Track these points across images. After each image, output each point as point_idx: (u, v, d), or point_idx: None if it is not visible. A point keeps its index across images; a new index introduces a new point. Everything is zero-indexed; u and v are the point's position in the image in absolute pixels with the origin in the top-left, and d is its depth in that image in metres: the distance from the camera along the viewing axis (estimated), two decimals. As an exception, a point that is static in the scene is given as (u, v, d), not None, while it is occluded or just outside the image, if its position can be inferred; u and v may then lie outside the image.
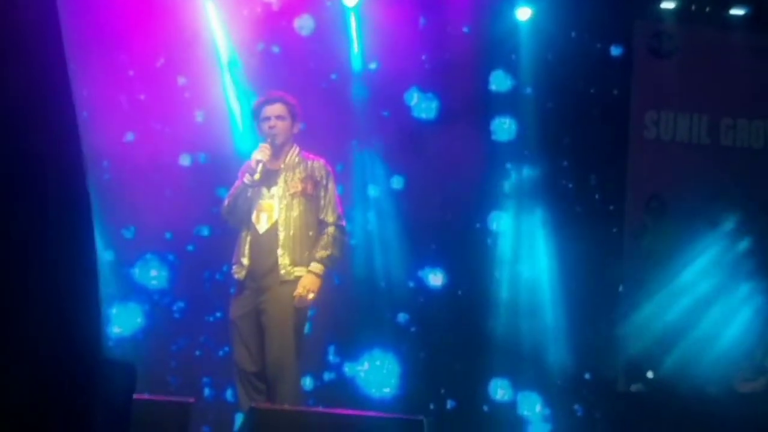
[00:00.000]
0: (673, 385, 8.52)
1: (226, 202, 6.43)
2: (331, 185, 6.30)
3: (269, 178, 6.23)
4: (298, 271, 6.15)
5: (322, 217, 6.25)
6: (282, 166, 6.27)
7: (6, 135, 1.55)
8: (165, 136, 8.37)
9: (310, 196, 6.22)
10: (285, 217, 6.16)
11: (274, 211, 6.20)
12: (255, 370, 6.19)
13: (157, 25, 8.33)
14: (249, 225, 6.24)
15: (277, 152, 6.26)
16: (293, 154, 6.32)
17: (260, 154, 6.19)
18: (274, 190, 6.23)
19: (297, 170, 6.26)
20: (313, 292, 6.14)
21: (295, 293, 6.13)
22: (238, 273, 6.27)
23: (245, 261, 6.22)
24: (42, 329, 1.54)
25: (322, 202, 6.25)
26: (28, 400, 1.52)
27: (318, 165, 6.31)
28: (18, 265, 1.51)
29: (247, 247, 6.23)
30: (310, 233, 6.21)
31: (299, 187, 6.21)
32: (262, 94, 6.67)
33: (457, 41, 9.04)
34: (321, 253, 6.18)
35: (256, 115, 6.39)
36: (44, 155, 1.57)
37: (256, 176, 6.17)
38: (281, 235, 6.14)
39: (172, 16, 8.35)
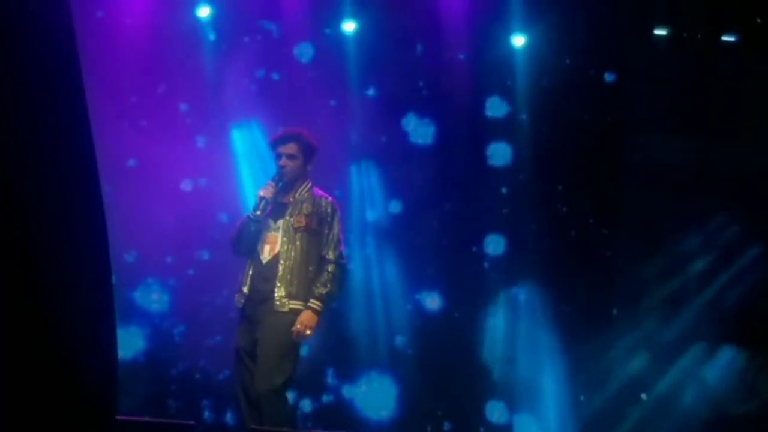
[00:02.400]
0: (668, 407, 8.54)
1: (233, 233, 6.52)
2: (336, 223, 6.37)
3: (277, 211, 6.34)
4: (293, 303, 6.22)
5: (324, 253, 6.32)
6: (291, 200, 6.36)
7: (27, 152, 1.65)
8: (167, 161, 8.46)
9: (314, 231, 6.30)
10: (287, 250, 6.26)
11: (278, 242, 6.30)
12: (252, 398, 6.23)
13: (160, 51, 8.48)
14: (254, 255, 6.35)
15: (288, 187, 6.37)
16: (304, 189, 6.40)
17: (264, 191, 6.32)
18: (280, 222, 6.32)
19: (304, 205, 6.35)
20: (310, 328, 6.21)
21: (293, 329, 6.19)
22: (239, 301, 6.37)
23: (245, 290, 6.33)
24: (61, 348, 1.64)
25: (326, 239, 6.32)
26: (49, 412, 1.60)
27: (325, 202, 6.39)
28: (37, 284, 1.60)
29: (248, 276, 6.33)
30: (310, 268, 6.29)
31: (304, 222, 6.30)
32: (280, 129, 6.73)
33: (454, 68, 9.16)
34: (320, 290, 6.25)
35: (272, 149, 6.49)
36: (61, 169, 1.67)
37: (258, 213, 6.30)
38: (280, 267, 6.24)
39: (174, 44, 8.49)
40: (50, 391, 1.65)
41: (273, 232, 6.33)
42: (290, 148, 6.39)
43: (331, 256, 6.33)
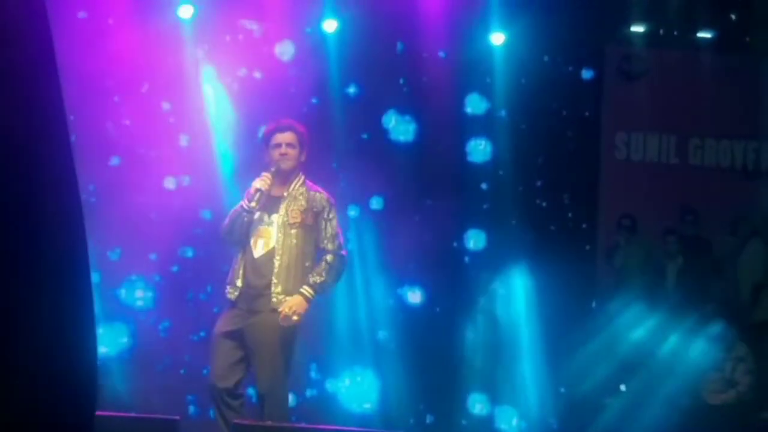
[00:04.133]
0: (646, 398, 8.66)
1: (225, 222, 6.40)
2: (333, 216, 6.31)
3: (271, 204, 6.26)
4: (290, 298, 6.15)
5: (322, 246, 6.27)
6: (285, 194, 6.28)
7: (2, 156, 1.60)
8: (150, 159, 8.53)
9: (309, 227, 6.24)
10: (282, 245, 6.19)
11: (272, 238, 6.22)
12: (228, 386, 6.19)
13: (142, 51, 8.51)
14: (246, 248, 6.27)
15: (282, 180, 6.29)
16: (298, 183, 6.32)
17: (260, 182, 6.22)
18: (274, 217, 6.24)
19: (299, 200, 6.27)
20: (298, 314, 6.15)
21: (280, 310, 6.17)
22: (231, 294, 6.27)
23: (239, 283, 6.23)
24: (38, 349, 1.59)
25: (323, 232, 6.27)
26: (25, 418, 1.57)
27: (320, 197, 6.31)
28: (13, 285, 1.56)
29: (241, 269, 6.24)
30: (307, 264, 6.23)
31: (299, 218, 6.21)
32: (273, 121, 6.62)
33: (434, 66, 9.25)
34: (314, 279, 6.21)
35: (265, 140, 6.39)
36: (40, 175, 1.62)
37: (253, 204, 6.22)
38: (276, 264, 6.17)
39: (156, 43, 8.53)
40: (25, 391, 1.65)
41: (266, 227, 6.24)
42: (289, 136, 6.32)
43: (330, 247, 6.27)
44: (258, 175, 6.25)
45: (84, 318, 1.69)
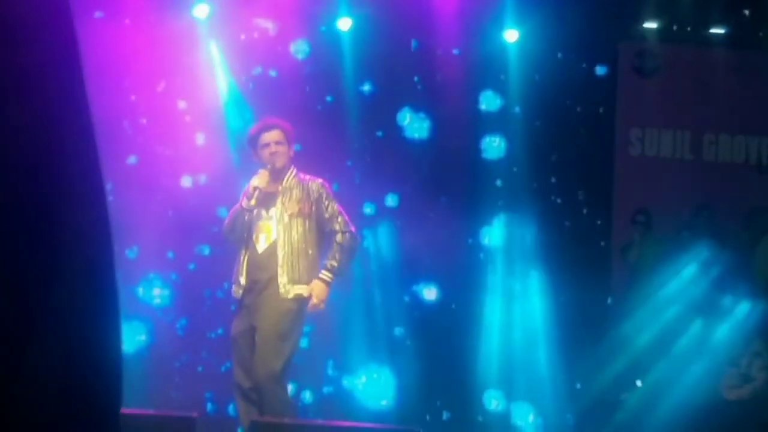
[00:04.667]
0: (662, 393, 8.65)
1: (226, 222, 6.61)
2: (331, 200, 6.46)
3: (268, 200, 6.40)
4: (297, 288, 6.31)
5: (329, 229, 6.41)
6: (280, 188, 6.42)
7: (28, 151, 1.58)
8: (166, 158, 8.58)
9: (308, 215, 6.38)
10: (284, 237, 6.33)
11: (272, 231, 6.36)
12: (250, 385, 6.32)
13: (158, 50, 8.55)
14: (248, 245, 6.41)
15: (276, 176, 6.43)
16: (290, 176, 6.48)
17: (258, 180, 6.38)
18: (273, 211, 6.38)
19: (294, 192, 6.42)
20: (323, 300, 6.34)
21: (309, 305, 6.31)
22: (236, 292, 6.44)
23: (242, 280, 6.39)
24: (62, 347, 1.59)
25: (326, 215, 6.40)
26: (47, 415, 1.57)
27: (315, 185, 6.46)
28: (37, 281, 1.56)
29: (244, 266, 6.39)
30: (310, 252, 6.37)
31: (296, 208, 6.37)
32: (257, 122, 6.84)
33: (448, 63, 9.26)
34: (330, 262, 6.37)
35: (253, 142, 6.56)
36: (66, 174, 1.61)
37: (252, 202, 6.37)
38: (280, 255, 6.30)
39: (172, 42, 8.57)
40: (53, 387, 1.67)
41: (266, 221, 6.38)
42: (276, 135, 6.48)
43: (336, 227, 6.42)
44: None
45: (109, 314, 1.68)
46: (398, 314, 9.00)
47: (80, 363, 1.61)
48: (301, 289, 6.32)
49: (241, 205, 6.44)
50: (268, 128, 6.51)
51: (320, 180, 6.54)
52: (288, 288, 6.27)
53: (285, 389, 6.42)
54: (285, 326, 6.27)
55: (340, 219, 6.44)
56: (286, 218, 6.35)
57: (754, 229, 9.37)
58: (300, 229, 6.36)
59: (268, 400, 6.24)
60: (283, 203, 6.39)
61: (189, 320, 8.67)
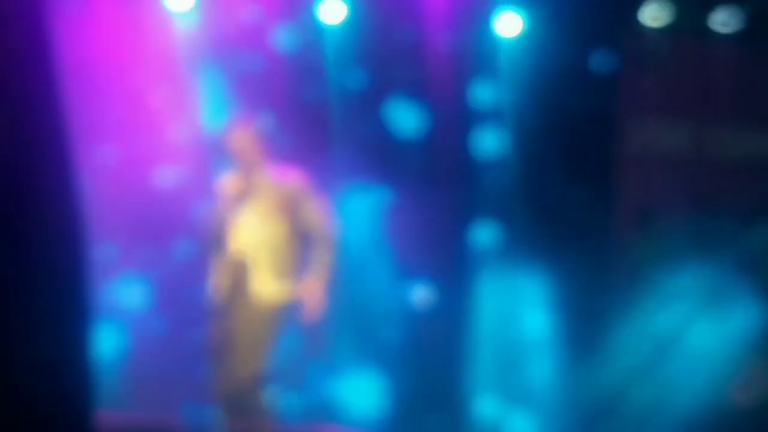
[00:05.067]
0: (666, 395, 8.57)
1: (199, 222, 6.65)
2: (308, 198, 6.35)
3: (242, 200, 6.33)
4: (276, 290, 6.26)
5: (307, 228, 6.31)
6: (253, 188, 6.35)
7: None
8: (144, 153, 8.47)
9: (285, 215, 6.29)
10: (261, 237, 6.26)
11: (249, 231, 6.28)
12: (231, 391, 6.29)
13: (136, 42, 8.48)
14: (222, 246, 6.35)
15: (245, 174, 6.36)
16: (265, 174, 6.39)
17: (226, 179, 6.37)
18: (248, 211, 6.31)
19: (269, 191, 6.33)
20: (317, 304, 6.29)
21: (306, 311, 6.27)
22: (212, 294, 6.41)
23: (218, 281, 6.35)
24: (36, 349, 1.65)
25: (304, 215, 6.30)
26: (27, 416, 1.63)
27: (291, 184, 6.36)
28: (12, 284, 1.64)
29: (221, 267, 6.35)
30: (289, 252, 6.30)
31: (273, 207, 6.28)
32: (230, 119, 6.77)
33: (442, 55, 9.10)
34: (315, 266, 6.28)
35: (227, 137, 6.49)
36: (41, 172, 1.80)
37: (221, 202, 6.37)
38: (257, 256, 6.24)
39: (150, 34, 8.50)
40: (26, 391, 1.64)
41: (242, 221, 6.30)
42: (243, 134, 6.39)
43: (314, 225, 6.31)
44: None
45: (82, 317, 1.79)
46: (388, 315, 8.88)
47: (53, 366, 1.66)
48: (281, 292, 6.27)
49: (213, 205, 6.46)
50: (237, 126, 6.45)
51: (296, 176, 6.40)
52: (266, 289, 6.23)
53: (266, 393, 6.35)
54: (263, 329, 6.24)
55: (317, 218, 6.33)
56: (261, 218, 6.27)
57: (757, 226, 9.24)
58: (277, 229, 6.28)
59: (250, 405, 6.20)
60: (259, 203, 6.30)
61: (168, 321, 8.54)
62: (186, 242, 8.43)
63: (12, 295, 1.60)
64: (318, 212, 6.33)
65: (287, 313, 6.34)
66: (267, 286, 6.19)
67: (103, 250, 8.25)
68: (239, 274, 6.23)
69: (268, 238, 6.23)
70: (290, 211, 6.28)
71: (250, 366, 6.15)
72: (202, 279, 8.26)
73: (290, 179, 6.37)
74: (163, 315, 8.57)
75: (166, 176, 8.57)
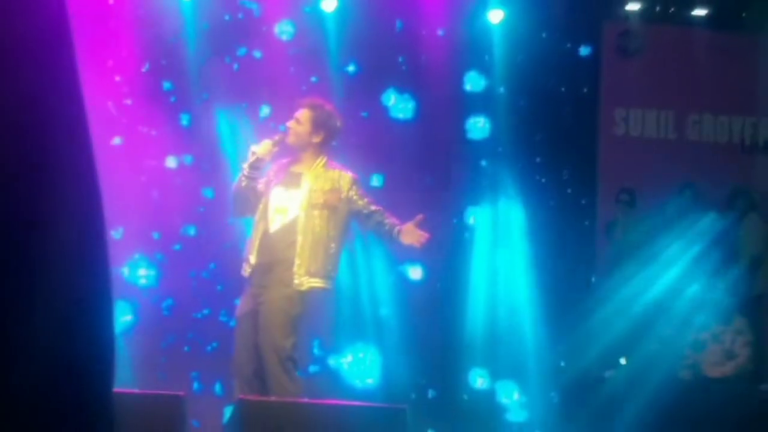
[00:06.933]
0: (646, 371, 8.70)
1: (232, 187, 6.31)
2: (359, 194, 6.20)
3: (290, 180, 6.13)
4: (312, 281, 6.04)
5: (367, 212, 6.17)
6: (305, 172, 6.14)
7: (18, 131, 1.63)
8: (151, 139, 8.57)
9: (334, 208, 6.10)
10: (305, 226, 6.04)
11: (288, 214, 6.07)
12: (254, 369, 6.06)
13: (142, 31, 8.56)
14: (262, 222, 6.12)
15: (299, 157, 6.16)
16: (319, 164, 6.16)
17: (256, 146, 6.11)
18: (295, 194, 6.10)
19: (322, 181, 6.13)
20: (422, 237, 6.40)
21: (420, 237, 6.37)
22: (246, 270, 6.15)
23: (252, 259, 6.09)
24: (54, 329, 1.57)
25: (360, 206, 6.16)
26: (40, 399, 1.54)
27: (343, 177, 6.17)
28: (27, 260, 1.52)
29: (256, 245, 6.09)
30: (332, 245, 6.11)
31: (322, 199, 6.08)
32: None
33: (433, 44, 9.28)
34: (390, 222, 6.28)
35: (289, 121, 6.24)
36: (58, 150, 1.55)
37: (245, 166, 6.08)
38: (299, 244, 6.02)
39: (157, 23, 8.57)
40: (45, 370, 1.67)
41: (285, 203, 6.10)
42: (300, 113, 6.19)
43: (372, 208, 6.24)
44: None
45: (102, 296, 1.64)
46: (384, 294, 9.01)
47: (73, 346, 1.58)
48: (317, 283, 6.05)
49: (242, 173, 6.12)
50: (299, 105, 6.24)
51: (351, 175, 6.23)
52: (303, 280, 5.99)
53: (293, 373, 6.08)
54: (294, 311, 6.02)
55: (371, 204, 6.24)
56: (310, 206, 6.05)
57: (737, 208, 9.44)
58: (323, 221, 6.06)
59: (274, 383, 5.97)
60: (309, 191, 6.07)
61: (175, 301, 8.68)
62: (194, 225, 8.56)
63: (36, 276, 1.64)
64: (368, 202, 6.16)
65: (317, 296, 6.11)
66: (305, 276, 5.93)
67: (114, 233, 8.41)
68: (276, 255, 5.95)
69: (314, 230, 5.99)
70: (341, 208, 6.08)
71: (281, 341, 5.88)
72: (209, 259, 8.47)
73: (346, 176, 6.17)
74: (171, 295, 8.70)
75: (176, 162, 8.69)
